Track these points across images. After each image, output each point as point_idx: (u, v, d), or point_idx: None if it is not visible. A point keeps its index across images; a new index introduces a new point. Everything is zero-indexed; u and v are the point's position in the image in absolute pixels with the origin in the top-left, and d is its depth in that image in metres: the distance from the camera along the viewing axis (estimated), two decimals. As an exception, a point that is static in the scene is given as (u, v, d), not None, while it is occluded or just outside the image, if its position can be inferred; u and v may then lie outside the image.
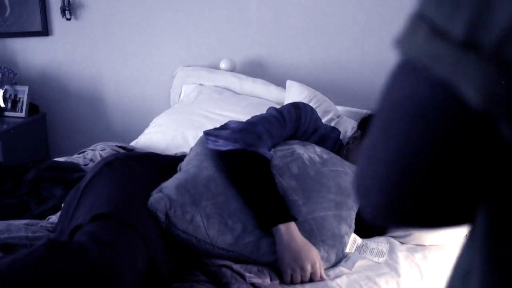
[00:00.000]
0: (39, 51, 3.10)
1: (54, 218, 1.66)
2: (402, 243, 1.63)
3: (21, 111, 2.99)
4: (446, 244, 1.63)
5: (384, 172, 0.34)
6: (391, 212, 0.36)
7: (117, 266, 1.13)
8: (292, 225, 1.37)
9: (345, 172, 1.54)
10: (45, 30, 3.04)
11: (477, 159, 0.32)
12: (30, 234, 1.44)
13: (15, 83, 3.06)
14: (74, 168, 2.04)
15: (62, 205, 1.56)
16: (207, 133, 1.58)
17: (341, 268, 1.43)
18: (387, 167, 0.34)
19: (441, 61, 0.30)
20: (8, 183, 1.98)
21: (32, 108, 3.06)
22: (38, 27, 3.03)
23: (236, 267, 1.33)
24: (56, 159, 2.22)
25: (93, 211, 1.28)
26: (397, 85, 0.33)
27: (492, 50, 0.28)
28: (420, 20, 0.31)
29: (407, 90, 0.32)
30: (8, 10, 3.06)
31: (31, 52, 3.12)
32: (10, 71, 3.05)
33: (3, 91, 3.02)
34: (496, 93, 0.28)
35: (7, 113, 3.02)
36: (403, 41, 0.32)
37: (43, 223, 1.61)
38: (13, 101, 3.02)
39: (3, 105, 3.02)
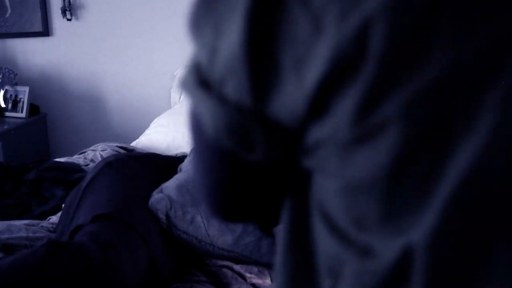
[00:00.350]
0: (40, 52, 3.10)
1: (54, 218, 1.66)
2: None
3: (21, 112, 2.99)
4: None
5: (204, 193, 0.44)
6: (219, 214, 0.46)
7: (117, 266, 1.13)
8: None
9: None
10: (45, 31, 3.04)
11: (260, 179, 0.40)
12: (30, 235, 1.44)
13: (16, 84, 3.06)
14: (75, 168, 2.04)
15: (63, 205, 1.56)
16: None
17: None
18: (204, 190, 0.43)
19: (195, 103, 0.36)
20: (8, 183, 1.99)
21: (33, 108, 3.06)
22: (38, 27, 3.04)
23: (237, 267, 1.33)
24: (57, 159, 2.22)
25: (94, 211, 1.29)
26: (192, 130, 0.40)
27: (216, 88, 0.34)
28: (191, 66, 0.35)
29: (197, 135, 0.39)
30: (9, 10, 3.06)
31: (31, 53, 3.12)
32: (10, 72, 3.06)
33: (3, 91, 3.02)
34: (222, 124, 0.34)
35: (7, 114, 3.02)
36: (183, 86, 0.37)
37: (43, 223, 1.61)
38: (13, 102, 3.02)
39: (3, 106, 3.02)
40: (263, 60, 0.31)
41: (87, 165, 2.12)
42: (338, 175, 0.33)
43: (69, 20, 2.97)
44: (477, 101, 0.27)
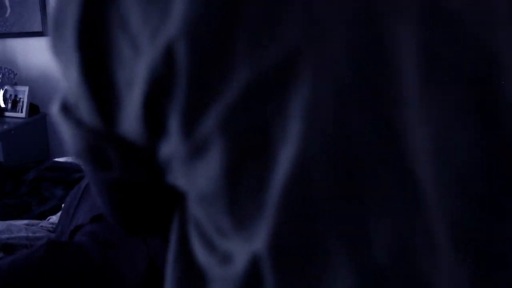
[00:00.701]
0: (40, 51, 3.10)
1: (54, 218, 1.66)
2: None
3: (21, 112, 2.99)
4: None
5: (104, 209, 0.49)
6: (122, 227, 0.52)
7: (117, 266, 1.13)
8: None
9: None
10: (45, 31, 3.04)
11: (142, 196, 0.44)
12: (30, 235, 1.44)
13: (16, 84, 3.06)
14: (75, 168, 2.04)
15: (63, 205, 1.56)
16: None
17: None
18: (103, 206, 0.48)
19: (60, 126, 0.39)
20: (8, 183, 1.99)
21: (33, 108, 3.06)
22: (38, 27, 3.03)
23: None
24: (57, 159, 2.22)
25: (94, 211, 1.29)
26: None
27: (73, 112, 0.37)
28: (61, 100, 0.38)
29: (88, 173, 0.44)
30: (9, 10, 3.06)
31: (31, 52, 3.12)
32: (10, 71, 3.05)
33: (3, 91, 3.02)
34: (79, 144, 0.38)
35: (7, 114, 3.02)
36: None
37: (43, 223, 1.61)
38: (13, 102, 3.02)
39: (3, 106, 3.02)
40: (100, 85, 0.34)
41: (87, 165, 2.12)
42: (188, 187, 0.35)
43: (68, 20, 2.97)
44: (283, 112, 0.29)
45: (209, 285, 0.37)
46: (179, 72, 0.30)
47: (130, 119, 0.34)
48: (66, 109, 0.37)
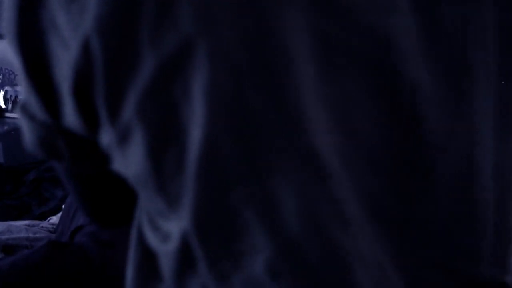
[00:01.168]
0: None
1: (55, 219, 1.66)
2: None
3: (21, 112, 3.00)
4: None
5: (76, 201, 0.54)
6: (93, 219, 0.57)
7: (117, 266, 1.13)
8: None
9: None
10: (45, 31, 3.04)
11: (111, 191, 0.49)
12: (31, 235, 1.44)
13: (16, 84, 3.06)
14: (75, 169, 2.03)
15: (63, 206, 1.56)
16: None
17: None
18: (75, 199, 0.53)
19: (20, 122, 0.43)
20: (8, 184, 1.99)
21: (33, 109, 3.06)
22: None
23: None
24: (57, 160, 2.22)
25: (94, 212, 1.29)
26: None
27: (27, 108, 0.41)
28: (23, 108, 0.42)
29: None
30: (9, 11, 3.06)
31: (31, 53, 3.12)
32: (11, 72, 3.05)
33: (3, 92, 3.02)
34: (33, 137, 0.42)
35: (8, 114, 3.02)
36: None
37: (44, 224, 1.61)
38: (14, 102, 3.02)
39: (4, 106, 3.02)
40: (42, 83, 0.37)
41: (87, 165, 2.12)
42: (126, 173, 0.38)
43: (69, 20, 2.97)
44: (188, 95, 0.32)
45: (159, 262, 0.41)
46: (96, 64, 0.33)
47: (69, 112, 0.37)
48: (24, 106, 0.41)
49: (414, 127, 0.36)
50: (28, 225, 1.53)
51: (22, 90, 0.41)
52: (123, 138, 0.35)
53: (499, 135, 0.39)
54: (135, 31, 0.32)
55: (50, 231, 1.54)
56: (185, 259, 0.37)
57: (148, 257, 0.42)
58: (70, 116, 0.37)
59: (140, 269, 0.44)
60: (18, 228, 1.46)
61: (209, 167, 0.33)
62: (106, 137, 0.36)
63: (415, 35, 0.35)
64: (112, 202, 0.52)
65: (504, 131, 0.40)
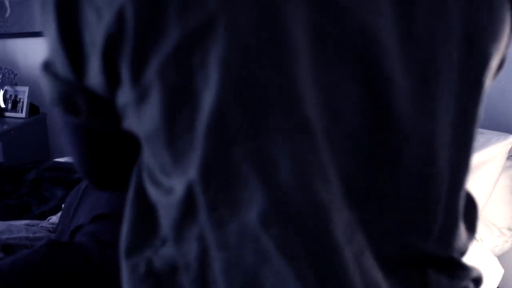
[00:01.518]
0: (40, 52, 3.09)
1: (54, 218, 1.66)
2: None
3: (21, 112, 3.00)
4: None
5: (76, 163, 0.58)
6: (91, 182, 0.61)
7: (117, 266, 1.13)
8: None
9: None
10: (45, 31, 3.04)
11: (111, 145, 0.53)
12: (30, 235, 1.44)
13: (16, 84, 3.06)
14: (75, 168, 2.03)
15: (63, 205, 1.56)
16: None
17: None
18: (75, 160, 0.58)
19: (43, 81, 0.48)
20: (8, 183, 1.99)
21: (33, 108, 3.06)
22: (38, 27, 3.03)
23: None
24: (57, 159, 2.22)
25: (94, 211, 1.29)
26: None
27: (52, 67, 0.46)
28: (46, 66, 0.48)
29: (60, 118, 0.52)
30: (9, 10, 3.06)
31: (31, 53, 3.12)
32: (10, 72, 3.06)
33: (3, 91, 3.02)
34: (55, 94, 0.46)
35: (7, 114, 3.02)
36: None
37: (43, 223, 1.61)
38: (13, 102, 3.02)
39: (3, 106, 3.02)
40: (72, 45, 0.43)
41: (87, 165, 2.11)
42: (138, 130, 0.43)
43: (68, 20, 2.97)
44: (204, 64, 0.38)
45: (158, 212, 0.46)
46: (127, 31, 0.38)
47: (94, 72, 0.42)
48: (47, 65, 0.47)
49: (386, 114, 0.42)
50: (28, 225, 1.53)
51: (48, 50, 0.46)
52: (141, 98, 0.40)
53: (455, 130, 0.46)
54: (165, 4, 0.37)
55: (50, 231, 1.54)
56: (187, 208, 0.41)
57: (145, 212, 0.47)
58: (95, 76, 0.42)
59: (136, 224, 0.48)
60: (18, 228, 1.46)
61: (217, 127, 0.38)
62: (124, 97, 0.41)
63: (395, 37, 0.41)
64: (113, 163, 0.56)
65: (460, 127, 0.47)
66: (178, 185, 0.42)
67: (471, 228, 0.56)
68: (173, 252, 0.45)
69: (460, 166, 0.48)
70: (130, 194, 0.49)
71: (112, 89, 0.43)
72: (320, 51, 0.39)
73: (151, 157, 0.44)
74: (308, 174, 0.40)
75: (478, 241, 1.67)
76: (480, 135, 1.68)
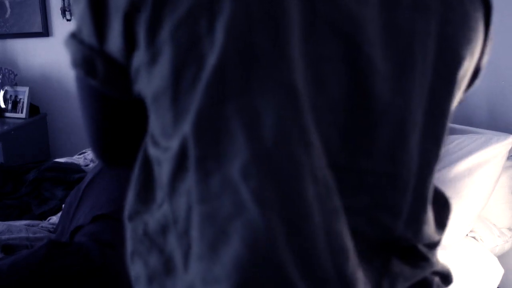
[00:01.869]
0: (40, 52, 3.10)
1: (55, 218, 1.66)
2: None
3: (21, 112, 3.00)
4: (447, 244, 1.63)
5: (89, 137, 0.61)
6: (102, 158, 0.63)
7: (117, 266, 1.13)
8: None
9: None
10: (45, 31, 3.04)
11: (125, 116, 0.57)
12: (31, 235, 1.44)
13: (16, 84, 3.06)
14: (75, 168, 2.04)
15: (63, 205, 1.56)
16: None
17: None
18: (88, 134, 0.61)
19: (67, 47, 0.54)
20: (9, 184, 1.99)
21: (33, 109, 3.06)
22: (38, 28, 3.04)
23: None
24: (57, 159, 2.22)
25: (94, 211, 1.29)
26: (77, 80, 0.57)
27: (77, 35, 0.52)
28: (72, 36, 0.54)
29: (78, 83, 0.57)
30: (9, 11, 3.07)
31: (31, 53, 3.12)
32: (10, 72, 3.06)
33: (3, 92, 3.02)
34: (79, 57, 0.52)
35: (7, 114, 3.02)
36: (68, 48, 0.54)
37: (43, 223, 1.61)
38: (13, 102, 3.02)
39: (3, 106, 3.02)
40: (99, 12, 0.48)
41: (87, 165, 2.12)
42: (147, 91, 0.48)
43: (68, 20, 2.97)
44: (211, 28, 0.43)
45: (158, 167, 0.50)
46: None
47: (115, 36, 0.48)
48: (74, 34, 0.53)
49: (366, 93, 0.47)
50: (28, 225, 1.53)
51: (76, 22, 0.52)
52: (153, 59, 0.45)
53: (427, 120, 0.51)
54: None
55: (50, 231, 1.54)
56: (180, 162, 0.46)
57: (147, 180, 0.52)
58: (115, 40, 0.48)
59: (139, 193, 0.53)
60: (18, 228, 1.46)
61: (215, 83, 0.43)
62: (138, 59, 0.47)
63: (378, 26, 0.47)
64: (124, 137, 0.60)
65: (432, 118, 0.52)
66: (174, 143, 0.46)
67: (441, 224, 0.61)
68: (166, 211, 0.48)
69: (429, 154, 0.53)
70: (137, 165, 0.54)
71: (129, 53, 0.48)
72: (311, 28, 0.45)
73: (155, 121, 0.48)
74: (289, 133, 0.43)
75: (478, 241, 1.67)
76: (480, 135, 1.68)
